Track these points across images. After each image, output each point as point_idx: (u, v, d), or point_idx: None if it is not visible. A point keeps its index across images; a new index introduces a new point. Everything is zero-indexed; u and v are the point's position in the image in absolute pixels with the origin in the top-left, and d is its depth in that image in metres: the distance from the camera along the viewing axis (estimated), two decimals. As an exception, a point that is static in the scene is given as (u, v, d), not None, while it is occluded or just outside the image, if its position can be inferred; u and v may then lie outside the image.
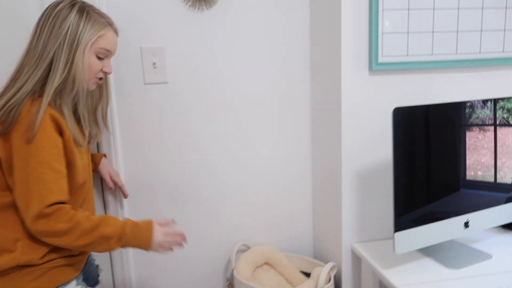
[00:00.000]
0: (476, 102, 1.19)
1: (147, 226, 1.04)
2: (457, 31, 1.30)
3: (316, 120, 1.49)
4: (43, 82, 0.98)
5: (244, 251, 1.61)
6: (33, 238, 0.99)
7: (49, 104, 0.97)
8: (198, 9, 1.39)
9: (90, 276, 1.26)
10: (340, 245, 1.38)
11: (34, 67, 0.98)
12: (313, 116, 1.52)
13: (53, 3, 1.02)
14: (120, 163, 1.43)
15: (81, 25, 1.01)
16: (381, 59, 1.25)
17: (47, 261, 1.01)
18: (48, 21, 1.00)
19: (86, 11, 1.02)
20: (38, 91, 0.98)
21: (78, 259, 1.08)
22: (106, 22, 1.06)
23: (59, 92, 1.00)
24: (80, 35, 1.01)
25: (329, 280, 1.34)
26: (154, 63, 1.39)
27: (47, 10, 1.01)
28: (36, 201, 0.93)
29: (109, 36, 1.06)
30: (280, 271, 1.54)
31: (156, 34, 1.38)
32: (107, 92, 1.21)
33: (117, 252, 1.48)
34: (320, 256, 1.59)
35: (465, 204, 1.22)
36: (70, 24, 1.00)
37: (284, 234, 1.62)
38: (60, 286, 1.03)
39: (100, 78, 1.09)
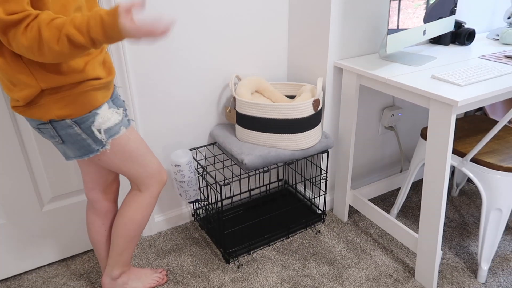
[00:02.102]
0: None
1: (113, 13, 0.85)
2: None
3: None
4: None
5: (235, 83, 1.77)
6: (37, 64, 0.95)
7: None
8: None
9: (117, 102, 1.25)
10: (326, 62, 1.64)
11: None
12: None
13: None
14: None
15: None
16: None
17: (74, 84, 1.00)
18: None
19: None
20: None
21: (108, 81, 1.09)
22: None
23: None
24: None
25: (321, 91, 1.63)
26: None
27: None
28: None
29: None
30: (269, 96, 1.77)
31: None
32: None
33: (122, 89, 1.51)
34: (295, 79, 1.85)
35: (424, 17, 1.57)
36: None
37: (264, 65, 1.81)
38: (92, 110, 1.05)
39: None
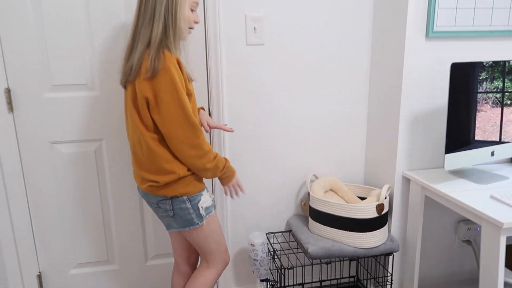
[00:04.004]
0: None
1: (233, 170, 1.51)
2: (492, 8, 1.70)
3: (376, 77, 1.91)
4: (162, 36, 1.31)
5: (312, 181, 2.05)
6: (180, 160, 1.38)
7: (171, 51, 1.32)
8: (290, -14, 1.77)
9: None
10: (394, 171, 1.82)
11: (150, 26, 1.31)
12: (372, 74, 1.93)
13: None
14: (225, 104, 1.84)
15: None
16: (436, 29, 1.65)
17: (191, 174, 1.41)
18: None
19: None
20: (161, 43, 1.30)
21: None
22: None
23: (176, 40, 1.34)
24: None
25: (386, 197, 1.79)
26: (255, 28, 1.78)
27: None
28: (190, 118, 1.31)
29: None
30: (342, 195, 1.99)
31: (258, 5, 1.76)
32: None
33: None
34: (371, 184, 2.03)
35: (492, 139, 1.66)
36: None
37: (342, 167, 2.06)
38: (199, 191, 1.43)
39: (191, 28, 1.42)
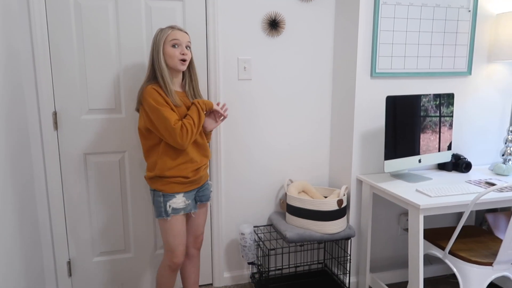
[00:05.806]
0: (429, 96, 2.25)
1: (208, 104, 1.91)
2: (417, 56, 2.36)
3: (335, 105, 2.51)
4: (153, 75, 1.83)
5: (288, 184, 2.60)
6: (161, 160, 1.84)
7: (157, 83, 1.80)
8: (271, 36, 2.36)
9: (205, 195, 2.09)
10: (350, 175, 2.40)
11: (148, 72, 1.86)
12: (332, 103, 2.54)
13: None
14: (221, 124, 2.37)
15: (158, 36, 1.85)
16: (377, 71, 2.28)
17: (170, 177, 1.85)
18: (150, 45, 1.90)
19: (163, 29, 1.86)
20: (148, 81, 1.83)
21: (190, 182, 1.91)
22: (170, 28, 1.87)
23: (161, 74, 1.82)
24: (157, 40, 1.84)
25: (344, 194, 2.36)
26: (245, 67, 2.35)
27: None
28: (170, 127, 1.74)
29: (172, 33, 1.85)
30: (311, 195, 2.55)
31: (247, 50, 2.34)
32: (196, 77, 1.98)
33: (215, 193, 2.43)
34: (334, 186, 2.61)
35: (420, 150, 2.29)
36: (154, 39, 1.86)
37: (312, 173, 2.63)
38: (174, 193, 1.87)
39: (183, 60, 1.82)
